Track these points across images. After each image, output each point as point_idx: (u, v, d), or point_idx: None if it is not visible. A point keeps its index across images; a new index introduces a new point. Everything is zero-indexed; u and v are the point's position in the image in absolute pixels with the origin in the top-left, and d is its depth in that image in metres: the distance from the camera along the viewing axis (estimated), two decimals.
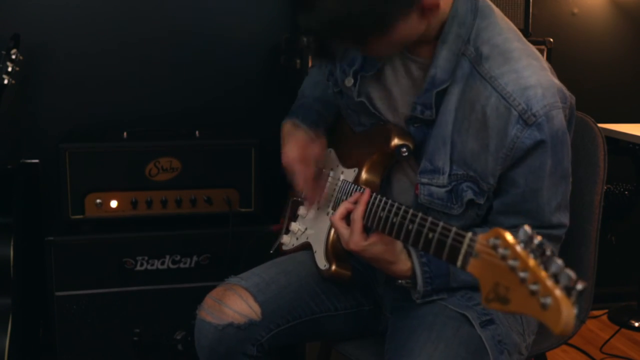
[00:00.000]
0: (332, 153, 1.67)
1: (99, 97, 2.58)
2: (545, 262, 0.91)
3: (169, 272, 2.27)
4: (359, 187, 1.47)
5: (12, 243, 2.13)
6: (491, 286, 0.97)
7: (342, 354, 1.65)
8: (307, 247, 1.63)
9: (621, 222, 3.03)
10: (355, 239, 1.35)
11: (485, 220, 1.44)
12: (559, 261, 0.90)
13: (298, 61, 2.30)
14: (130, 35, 2.58)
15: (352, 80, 1.50)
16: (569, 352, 2.69)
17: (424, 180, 1.42)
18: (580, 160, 1.66)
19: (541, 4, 2.89)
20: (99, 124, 2.55)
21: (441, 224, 1.16)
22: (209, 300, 1.54)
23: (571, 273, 0.88)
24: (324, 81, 1.69)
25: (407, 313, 1.49)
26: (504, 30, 1.39)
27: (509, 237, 0.97)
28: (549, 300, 0.88)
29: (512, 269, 0.94)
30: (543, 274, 0.90)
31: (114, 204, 2.25)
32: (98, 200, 2.23)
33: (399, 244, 1.38)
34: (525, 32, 2.43)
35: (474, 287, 1.32)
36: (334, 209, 1.55)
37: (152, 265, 2.26)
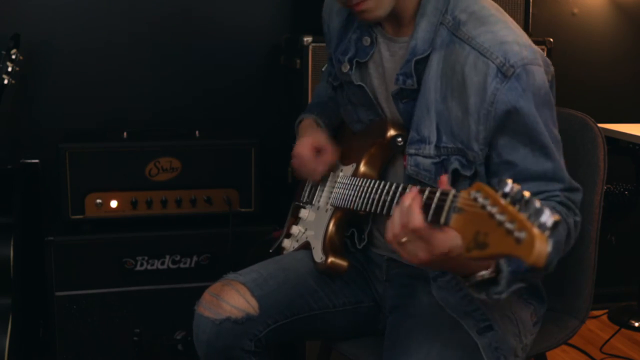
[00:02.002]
0: None
1: (99, 96, 2.58)
2: (524, 206, 0.92)
3: (169, 272, 2.27)
4: (357, 179, 1.48)
5: (12, 243, 2.13)
6: (472, 235, 0.98)
7: (342, 353, 1.65)
8: (306, 247, 1.64)
9: (621, 222, 3.03)
10: (439, 241, 1.14)
11: None
12: (537, 203, 0.91)
13: (298, 61, 2.30)
14: (130, 35, 2.58)
15: (348, 66, 1.53)
16: (569, 352, 2.69)
17: (411, 150, 1.42)
18: (580, 160, 1.66)
19: (541, 4, 2.89)
20: (99, 124, 2.55)
21: (428, 188, 1.15)
22: (207, 295, 1.55)
23: (547, 211, 0.90)
24: None
25: (406, 312, 1.49)
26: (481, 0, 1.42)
27: (490, 189, 0.98)
28: (522, 235, 0.89)
29: (491, 215, 0.95)
30: (520, 214, 0.91)
31: (114, 204, 2.25)
32: (98, 200, 2.23)
33: None
34: (525, 32, 2.43)
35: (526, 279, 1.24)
36: (332, 204, 1.57)
37: (152, 265, 2.26)
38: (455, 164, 1.37)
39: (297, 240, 1.68)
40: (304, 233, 1.66)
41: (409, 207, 1.14)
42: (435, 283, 1.45)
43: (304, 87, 2.26)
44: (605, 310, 3.06)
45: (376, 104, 1.53)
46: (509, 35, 1.33)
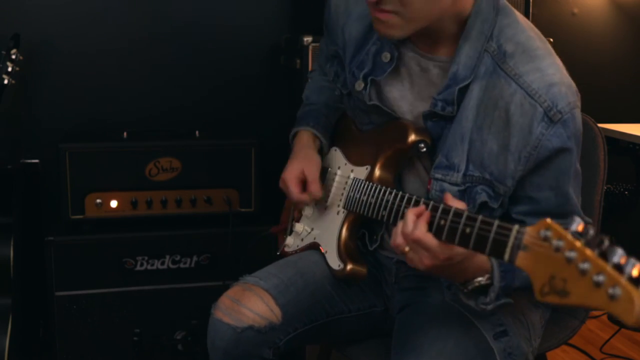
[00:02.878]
0: (338, 152, 1.64)
1: (99, 96, 2.58)
2: (605, 252, 0.89)
3: (169, 272, 2.27)
4: (372, 184, 1.45)
5: (12, 243, 2.13)
6: (546, 279, 0.94)
7: (342, 353, 1.64)
8: (313, 247, 1.60)
9: (621, 222, 3.03)
10: (439, 250, 1.19)
11: None
12: (620, 250, 0.87)
13: (298, 61, 2.30)
14: (130, 35, 2.58)
15: (363, 84, 1.46)
16: (569, 352, 2.69)
17: (438, 175, 1.39)
18: (580, 160, 1.66)
19: (541, 4, 2.88)
20: (99, 123, 2.55)
21: (480, 217, 1.12)
22: (225, 300, 1.48)
23: (634, 261, 0.86)
24: (328, 85, 1.67)
25: (416, 310, 1.47)
26: (526, 28, 1.38)
27: (560, 227, 0.94)
28: (618, 291, 0.85)
29: (569, 261, 0.91)
30: (606, 264, 0.87)
31: (114, 204, 2.25)
32: (98, 200, 2.23)
33: None
34: None
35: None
36: (346, 207, 1.53)
37: (152, 265, 2.26)
38: (483, 196, 1.36)
39: (302, 240, 1.64)
40: (309, 232, 1.62)
41: (414, 221, 1.19)
42: (450, 291, 1.43)
43: (304, 87, 2.26)
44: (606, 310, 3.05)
45: (393, 114, 1.47)
46: (556, 75, 1.31)
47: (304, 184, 1.58)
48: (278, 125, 2.56)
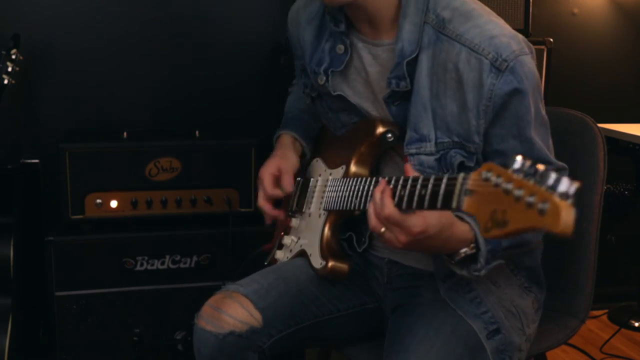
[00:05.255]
0: (319, 161, 1.68)
1: (99, 96, 2.58)
2: (540, 178, 0.92)
3: (169, 272, 2.27)
4: (348, 179, 1.48)
5: (12, 243, 2.13)
6: (488, 215, 0.97)
7: (341, 353, 1.64)
8: (302, 255, 1.61)
9: (621, 222, 3.03)
10: (410, 224, 1.20)
11: None
12: (554, 174, 0.90)
13: None
14: (130, 35, 2.58)
15: (325, 77, 1.52)
16: (569, 352, 2.69)
17: (412, 150, 1.42)
18: (580, 160, 1.66)
19: (541, 4, 2.89)
20: (98, 123, 2.55)
21: (433, 177, 1.15)
22: (207, 308, 1.51)
23: (565, 180, 0.89)
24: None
25: (407, 311, 1.48)
26: None
27: (500, 167, 0.98)
28: (546, 206, 0.88)
29: (507, 192, 0.94)
30: (539, 187, 0.90)
31: (114, 204, 2.25)
32: (98, 200, 2.23)
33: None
34: (525, 32, 2.43)
35: (520, 244, 1.35)
36: (325, 208, 1.55)
37: (152, 265, 2.26)
38: (458, 158, 1.39)
39: (291, 251, 1.65)
40: (297, 242, 1.64)
41: (380, 199, 1.22)
42: (445, 284, 1.45)
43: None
44: (605, 310, 3.06)
45: (360, 108, 1.53)
46: (495, 28, 1.36)
47: (278, 181, 1.65)
48: (278, 125, 2.56)
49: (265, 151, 2.34)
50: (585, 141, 1.68)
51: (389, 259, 1.58)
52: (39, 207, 2.51)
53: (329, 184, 1.57)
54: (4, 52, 2.13)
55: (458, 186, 1.08)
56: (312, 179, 1.67)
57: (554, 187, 0.89)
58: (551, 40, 2.49)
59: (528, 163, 0.94)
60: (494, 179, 0.98)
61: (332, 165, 1.62)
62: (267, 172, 1.66)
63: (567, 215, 0.87)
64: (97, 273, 2.22)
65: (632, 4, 3.05)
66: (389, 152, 1.53)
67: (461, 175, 1.08)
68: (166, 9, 2.60)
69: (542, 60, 2.42)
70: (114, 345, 2.24)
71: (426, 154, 1.41)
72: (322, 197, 1.58)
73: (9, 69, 2.12)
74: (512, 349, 1.44)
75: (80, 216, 2.23)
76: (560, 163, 1.42)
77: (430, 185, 1.14)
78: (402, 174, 1.45)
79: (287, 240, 1.67)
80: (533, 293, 1.53)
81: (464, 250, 1.29)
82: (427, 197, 1.14)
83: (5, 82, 2.11)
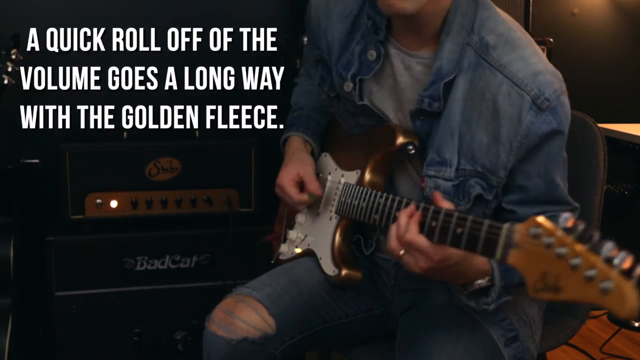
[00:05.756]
0: (328, 157, 1.65)
1: (99, 97, 2.58)
2: (595, 246, 0.89)
3: (169, 272, 2.27)
4: (363, 188, 1.45)
5: (12, 243, 2.13)
6: (539, 276, 0.94)
7: (343, 355, 1.64)
8: (308, 254, 1.59)
9: (621, 222, 3.03)
10: (432, 252, 1.19)
11: (498, 217, 1.40)
12: (610, 243, 0.88)
13: (298, 61, 2.30)
14: (131, 35, 2.57)
15: (352, 84, 1.46)
16: (569, 352, 2.68)
17: (431, 172, 1.39)
18: (580, 160, 1.66)
19: (541, 4, 2.88)
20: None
21: (471, 218, 1.12)
22: (219, 312, 1.47)
23: (625, 254, 0.86)
24: (315, 89, 1.67)
25: (420, 312, 1.47)
26: (506, 20, 1.39)
27: (550, 224, 0.94)
28: (609, 285, 0.85)
29: (560, 257, 0.91)
30: (597, 258, 0.87)
31: (114, 204, 2.25)
32: (98, 200, 2.23)
33: None
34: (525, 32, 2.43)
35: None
36: (338, 212, 1.53)
37: (152, 265, 2.26)
38: (477, 189, 1.36)
39: (297, 247, 1.63)
40: (303, 239, 1.62)
41: (407, 223, 1.20)
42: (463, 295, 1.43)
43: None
44: (605, 310, 3.05)
45: (381, 114, 1.48)
46: (539, 63, 1.33)
47: (301, 186, 1.58)
48: (278, 126, 2.56)
49: (265, 151, 2.35)
50: (585, 141, 1.68)
51: (395, 262, 1.54)
52: (39, 207, 2.51)
53: (341, 187, 1.53)
54: (4, 52, 2.13)
55: (503, 237, 1.05)
56: (320, 175, 1.63)
57: (612, 261, 0.86)
58: (551, 40, 2.49)
59: (581, 226, 0.91)
60: (545, 239, 0.94)
61: (343, 165, 1.58)
62: (287, 179, 1.58)
63: (633, 298, 0.84)
64: (97, 273, 2.22)
65: (632, 4, 3.05)
66: (404, 162, 1.49)
67: (506, 226, 1.05)
68: (167, 10, 2.60)
69: None
70: (114, 345, 2.24)
71: (444, 179, 1.38)
72: (334, 199, 1.55)
73: (9, 69, 2.12)
74: (528, 356, 1.44)
75: (80, 216, 2.23)
76: (575, 204, 1.41)
77: (468, 226, 1.11)
78: (416, 187, 1.45)
79: (292, 235, 1.64)
80: (537, 302, 1.53)
81: (479, 282, 1.27)
82: (464, 238, 1.12)
83: (5, 82, 2.11)
